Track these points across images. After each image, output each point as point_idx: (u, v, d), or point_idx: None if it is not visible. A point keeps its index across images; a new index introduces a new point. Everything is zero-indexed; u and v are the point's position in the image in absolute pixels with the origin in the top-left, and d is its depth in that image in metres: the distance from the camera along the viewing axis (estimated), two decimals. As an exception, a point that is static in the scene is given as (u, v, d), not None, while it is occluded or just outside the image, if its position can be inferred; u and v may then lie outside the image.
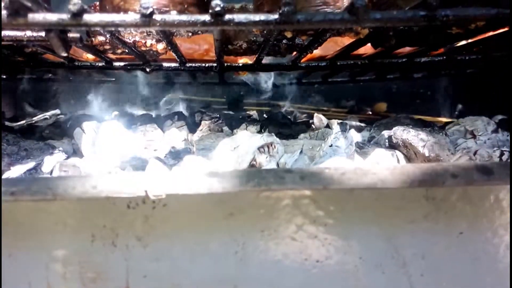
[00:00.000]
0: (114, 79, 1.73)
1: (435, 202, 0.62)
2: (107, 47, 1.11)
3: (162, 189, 0.56)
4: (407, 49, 1.19)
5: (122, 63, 1.28)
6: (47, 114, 1.53)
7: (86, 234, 0.62)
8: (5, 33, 0.85)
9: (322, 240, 0.63)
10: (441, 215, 0.63)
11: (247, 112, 1.66)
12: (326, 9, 0.78)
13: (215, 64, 1.26)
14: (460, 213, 0.63)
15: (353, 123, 1.35)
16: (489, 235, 0.64)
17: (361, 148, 0.97)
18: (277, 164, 0.82)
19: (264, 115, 1.63)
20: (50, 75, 1.58)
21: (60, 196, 0.56)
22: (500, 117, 1.55)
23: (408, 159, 0.92)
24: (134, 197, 0.59)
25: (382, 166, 0.60)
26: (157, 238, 0.62)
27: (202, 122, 1.30)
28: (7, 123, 1.48)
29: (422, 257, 0.63)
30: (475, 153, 0.92)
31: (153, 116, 1.46)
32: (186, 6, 0.79)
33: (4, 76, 1.52)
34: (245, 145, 0.84)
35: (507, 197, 0.63)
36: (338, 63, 1.28)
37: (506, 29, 0.94)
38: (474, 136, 0.99)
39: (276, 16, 0.66)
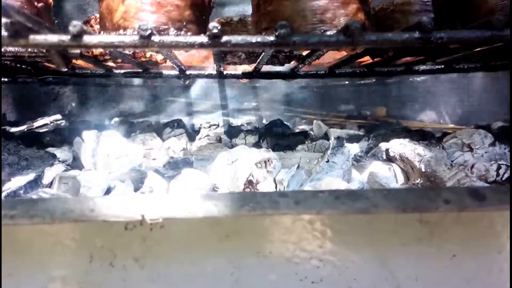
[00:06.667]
0: (113, 82, 1.74)
1: (429, 225, 0.63)
2: (107, 57, 1.12)
3: (159, 213, 0.57)
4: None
5: (122, 71, 1.29)
6: (48, 119, 1.53)
7: (84, 254, 0.63)
8: (6, 48, 0.85)
9: (317, 261, 0.63)
10: (434, 238, 0.63)
11: (246, 123, 1.67)
12: (322, 27, 0.78)
13: (214, 72, 1.27)
14: (454, 236, 0.63)
15: (351, 132, 1.35)
16: (482, 257, 0.64)
17: (358, 161, 0.98)
18: (274, 180, 0.82)
19: (264, 121, 1.64)
20: (51, 78, 1.59)
21: (59, 220, 0.57)
22: (499, 123, 1.55)
23: (405, 173, 0.92)
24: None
25: (376, 190, 0.60)
26: (154, 259, 0.63)
27: (201, 130, 1.31)
28: (8, 128, 1.49)
29: (415, 279, 0.64)
30: (472, 167, 0.92)
31: (153, 123, 1.46)
32: (184, 23, 0.80)
33: (6, 79, 1.52)
34: (242, 160, 0.85)
35: (500, 220, 0.63)
36: (337, 71, 1.28)
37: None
38: (471, 149, 1.00)
39: (272, 38, 0.66)
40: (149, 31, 0.66)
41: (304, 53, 1.01)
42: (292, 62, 1.17)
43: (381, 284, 0.64)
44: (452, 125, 1.81)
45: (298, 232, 0.63)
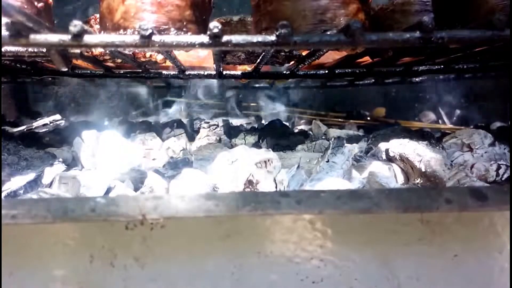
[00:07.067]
0: (113, 82, 1.74)
1: (430, 225, 0.63)
2: (107, 57, 1.12)
3: (160, 213, 0.57)
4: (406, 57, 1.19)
5: (121, 71, 1.29)
6: (48, 119, 1.53)
7: (85, 254, 0.63)
8: (6, 48, 0.85)
9: (318, 261, 0.63)
10: (436, 238, 0.63)
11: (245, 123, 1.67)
12: (323, 27, 0.78)
13: (213, 72, 1.27)
14: (455, 236, 0.63)
15: (351, 132, 1.35)
16: (483, 257, 0.64)
17: (358, 161, 0.98)
18: (274, 180, 0.82)
19: (263, 121, 1.64)
20: (50, 78, 1.59)
21: (60, 219, 0.57)
22: (498, 124, 1.56)
23: (405, 173, 0.92)
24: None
25: (377, 190, 0.60)
26: (155, 259, 0.63)
27: (201, 130, 1.31)
28: (7, 128, 1.48)
29: (416, 279, 0.64)
30: (472, 167, 0.92)
31: (152, 123, 1.46)
32: (185, 23, 0.80)
33: (5, 80, 1.52)
34: (242, 160, 0.85)
35: (501, 220, 0.63)
36: (337, 72, 1.28)
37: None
38: (471, 149, 1.00)
39: (273, 38, 0.66)
40: (150, 31, 0.66)
41: (304, 53, 1.01)
42: (292, 62, 1.17)
43: (382, 284, 0.64)
44: (451, 125, 1.81)
45: (299, 231, 0.63)
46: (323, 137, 1.27)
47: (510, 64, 1.20)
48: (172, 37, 0.68)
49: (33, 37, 0.66)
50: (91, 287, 0.63)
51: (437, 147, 0.96)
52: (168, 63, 1.14)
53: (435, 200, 0.58)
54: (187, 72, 1.27)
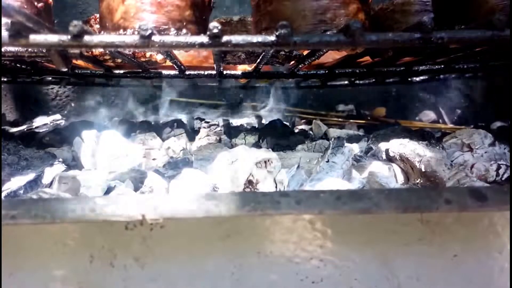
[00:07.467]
0: (113, 82, 1.74)
1: (430, 225, 0.63)
2: (107, 57, 1.12)
3: (159, 213, 0.57)
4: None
5: (121, 71, 1.29)
6: (47, 119, 1.53)
7: (85, 254, 0.63)
8: (6, 48, 0.85)
9: (317, 261, 0.63)
10: (435, 238, 0.63)
11: (245, 122, 1.67)
12: (323, 27, 0.79)
13: (214, 72, 1.27)
14: (455, 236, 0.63)
15: (351, 132, 1.35)
16: (483, 257, 0.64)
17: (358, 161, 0.98)
18: (274, 180, 0.82)
19: (263, 121, 1.64)
20: (50, 78, 1.59)
21: (59, 220, 0.57)
22: (498, 123, 1.56)
23: (405, 173, 0.92)
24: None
25: (377, 190, 0.60)
26: (155, 259, 0.63)
27: (201, 130, 1.31)
28: (7, 128, 1.48)
29: (416, 279, 0.64)
30: (472, 167, 0.92)
31: (152, 123, 1.46)
32: (184, 23, 0.80)
33: (5, 79, 1.53)
34: (242, 160, 0.85)
35: (501, 220, 0.63)
36: (337, 71, 1.28)
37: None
38: (471, 149, 1.00)
39: (273, 38, 0.66)
40: (150, 31, 0.66)
41: (304, 53, 1.01)
42: (292, 62, 1.17)
43: (382, 284, 0.64)
44: (451, 125, 1.81)
45: (299, 232, 0.63)
46: (323, 137, 1.27)
47: (510, 64, 1.20)
48: (172, 37, 0.68)
49: (33, 37, 0.66)
50: (91, 287, 0.63)
51: (437, 147, 0.96)
52: (168, 63, 1.14)
53: (435, 200, 0.58)
54: (187, 72, 1.27)
